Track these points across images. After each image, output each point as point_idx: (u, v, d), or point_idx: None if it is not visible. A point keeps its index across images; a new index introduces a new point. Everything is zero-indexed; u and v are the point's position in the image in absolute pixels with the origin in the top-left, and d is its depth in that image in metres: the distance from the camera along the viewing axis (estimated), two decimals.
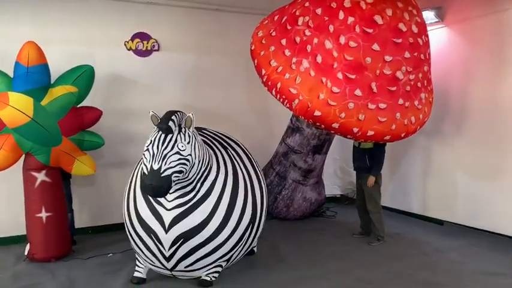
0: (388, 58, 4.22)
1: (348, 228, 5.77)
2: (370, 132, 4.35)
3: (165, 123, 3.43)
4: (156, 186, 3.29)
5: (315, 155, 5.77)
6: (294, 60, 4.35)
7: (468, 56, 5.29)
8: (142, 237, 3.75)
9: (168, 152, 3.37)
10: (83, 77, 4.71)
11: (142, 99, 5.89)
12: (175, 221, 3.62)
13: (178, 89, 6.14)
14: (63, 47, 5.27)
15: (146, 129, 5.78)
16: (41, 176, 4.58)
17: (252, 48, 4.82)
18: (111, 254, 4.82)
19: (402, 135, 4.54)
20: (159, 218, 3.64)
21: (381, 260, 4.56)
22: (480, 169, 5.23)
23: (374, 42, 4.18)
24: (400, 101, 4.39)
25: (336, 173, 7.28)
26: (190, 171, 3.53)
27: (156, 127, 3.53)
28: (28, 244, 4.65)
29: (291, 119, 5.78)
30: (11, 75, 4.50)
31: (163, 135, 3.44)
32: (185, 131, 3.53)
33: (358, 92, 4.22)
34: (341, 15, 4.23)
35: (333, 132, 4.50)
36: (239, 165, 4.10)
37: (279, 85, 4.39)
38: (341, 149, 7.00)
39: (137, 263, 4.05)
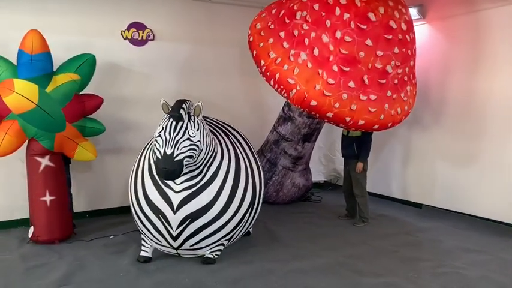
0: (379, 53, 4.56)
1: (334, 211, 6.15)
2: (361, 122, 4.69)
3: (177, 111, 3.66)
4: (169, 169, 3.54)
5: (305, 143, 6.09)
6: (292, 52, 4.63)
7: (447, 51, 5.69)
8: (151, 217, 3.99)
9: (180, 138, 3.62)
10: (85, 65, 4.84)
11: (138, 88, 6.05)
12: (183, 202, 3.87)
13: (173, 78, 6.31)
14: (61, 36, 5.33)
15: (141, 117, 6.06)
16: (44, 161, 4.71)
17: (251, 39, 5.05)
18: (112, 236, 5.02)
19: (389, 124, 4.90)
20: (167, 200, 3.88)
21: (367, 238, 4.95)
22: (457, 156, 5.68)
23: (367, 37, 4.50)
24: (389, 93, 4.74)
25: (320, 160, 7.63)
26: (198, 156, 3.78)
27: (167, 115, 3.75)
28: (32, 227, 4.78)
29: (282, 108, 6.07)
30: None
31: (174, 123, 3.67)
32: (194, 119, 3.77)
33: (351, 84, 4.54)
34: (337, 11, 4.52)
35: (326, 121, 4.81)
36: (240, 151, 4.37)
37: (277, 75, 4.66)
38: (325, 137, 7.36)
39: (143, 242, 4.28)
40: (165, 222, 3.94)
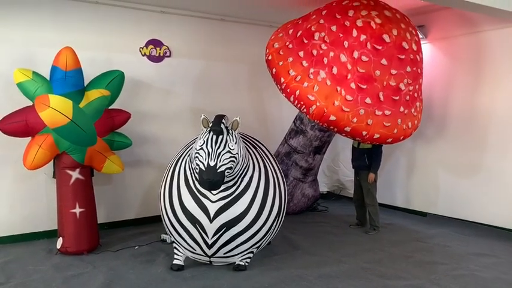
0: (393, 71, 4.92)
1: (343, 220, 6.45)
2: (376, 136, 5.02)
3: (218, 126, 3.93)
4: (213, 180, 3.79)
5: (316, 155, 6.40)
6: (312, 70, 4.94)
7: (449, 69, 6.12)
8: (187, 226, 4.20)
9: (221, 151, 3.87)
10: (115, 81, 5.06)
11: (156, 103, 6.27)
12: (220, 211, 4.10)
13: (188, 93, 6.56)
14: (84, 52, 5.48)
15: (159, 131, 6.29)
16: (75, 174, 4.87)
17: (269, 58, 5.36)
18: (137, 247, 5.18)
19: (401, 138, 5.25)
20: (204, 209, 4.11)
21: (381, 245, 5.25)
22: (460, 167, 6.07)
23: (383, 57, 4.86)
24: (401, 109, 5.09)
25: (324, 171, 7.94)
26: (235, 168, 4.03)
27: (207, 129, 4.01)
28: (60, 238, 4.91)
29: (294, 122, 6.37)
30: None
31: (215, 136, 3.93)
32: (232, 133, 4.03)
33: (368, 100, 4.88)
34: (354, 33, 4.87)
35: (344, 134, 5.12)
36: (268, 163, 4.63)
37: (297, 92, 4.96)
38: (329, 150, 7.65)
39: (176, 251, 4.47)
40: (201, 230, 4.16)
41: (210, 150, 3.87)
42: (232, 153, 3.92)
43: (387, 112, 4.98)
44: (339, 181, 7.88)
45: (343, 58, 4.87)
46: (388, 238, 5.56)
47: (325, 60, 4.91)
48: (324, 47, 4.96)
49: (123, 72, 5.16)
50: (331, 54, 4.90)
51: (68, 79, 4.72)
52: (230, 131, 4.03)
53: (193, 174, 4.19)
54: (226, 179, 4.04)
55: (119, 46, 5.95)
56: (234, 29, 6.91)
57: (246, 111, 7.15)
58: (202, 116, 4.03)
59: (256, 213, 4.26)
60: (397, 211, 6.87)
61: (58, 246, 4.91)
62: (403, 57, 4.97)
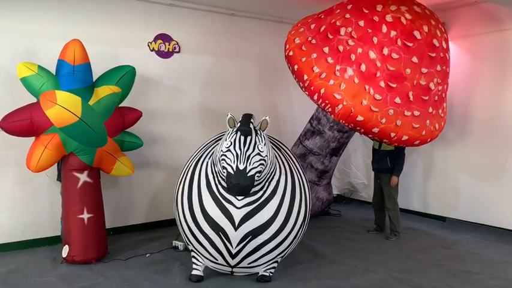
0: (424, 70, 4.66)
1: (359, 225, 6.19)
2: (405, 137, 4.76)
3: (247, 126, 3.61)
4: (243, 185, 3.47)
5: (332, 157, 6.12)
6: (338, 67, 4.66)
7: (471, 69, 5.89)
8: (209, 234, 3.87)
9: (251, 153, 3.56)
10: (126, 77, 4.71)
11: (165, 100, 5.94)
12: (245, 218, 3.79)
13: (197, 91, 6.23)
14: (89, 46, 5.11)
15: (168, 130, 5.94)
16: (83, 177, 4.51)
17: (290, 54, 5.05)
18: (148, 255, 4.84)
19: (428, 140, 5.00)
20: (229, 216, 3.78)
21: (407, 252, 4.99)
22: (481, 170, 5.86)
23: (413, 55, 4.60)
24: (430, 109, 4.84)
25: (335, 174, 7.64)
26: (264, 171, 3.72)
27: (233, 129, 3.68)
28: (66, 246, 4.54)
29: (310, 122, 6.07)
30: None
31: (243, 137, 3.61)
32: (261, 133, 3.72)
33: (397, 100, 4.61)
34: (384, 28, 4.60)
35: (370, 136, 4.85)
36: (293, 166, 4.33)
37: (322, 90, 4.67)
38: None
39: (195, 261, 4.14)
40: (224, 239, 3.83)
41: (239, 152, 3.55)
42: (261, 156, 3.61)
43: (416, 113, 4.73)
44: (350, 184, 7.61)
45: (372, 55, 4.59)
46: (412, 244, 5.30)
47: (353, 56, 4.63)
48: (351, 42, 4.68)
49: (134, 68, 4.81)
50: (359, 50, 4.63)
51: (76, 74, 4.35)
52: (259, 132, 3.72)
53: (216, 178, 3.86)
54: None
55: (126, 40, 5.60)
56: (245, 25, 6.61)
57: (257, 110, 6.74)
58: (229, 115, 3.71)
59: (283, 220, 3.95)
60: (413, 215, 6.62)
61: (64, 255, 4.53)
62: (433, 55, 4.72)
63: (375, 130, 4.67)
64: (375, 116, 4.59)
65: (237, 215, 3.78)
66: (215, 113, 6.37)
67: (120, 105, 4.75)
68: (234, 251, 3.87)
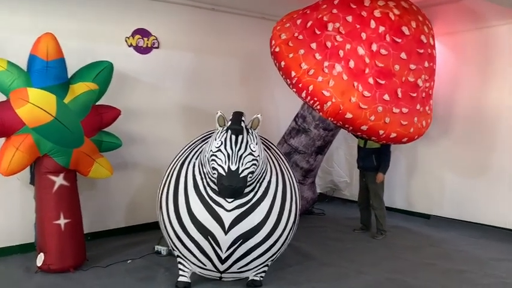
0: (412, 66, 4.59)
1: (344, 224, 6.11)
2: (393, 135, 4.68)
3: (238, 125, 3.43)
4: (235, 187, 3.29)
5: (317, 156, 6.01)
6: (326, 64, 4.53)
7: (454, 66, 5.88)
8: (197, 239, 3.67)
9: (243, 153, 3.38)
10: (103, 73, 4.44)
11: (143, 98, 5.67)
12: (236, 222, 3.60)
13: (177, 89, 5.99)
14: (63, 41, 4.84)
15: (147, 130, 5.67)
16: (59, 180, 4.21)
17: (277, 50, 4.90)
18: (130, 261, 4.59)
19: (416, 137, 4.95)
20: (218, 219, 3.59)
21: (396, 252, 4.93)
22: (465, 167, 5.86)
23: (402, 51, 4.52)
24: (418, 106, 4.78)
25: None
26: (255, 172, 3.54)
27: (223, 128, 3.50)
28: (41, 254, 4.24)
29: (295, 120, 5.94)
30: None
31: (234, 136, 3.42)
32: (252, 132, 3.54)
33: (386, 97, 4.53)
34: (372, 24, 4.50)
35: (359, 134, 4.76)
36: (283, 165, 4.18)
37: (311, 87, 4.54)
38: None
39: (181, 267, 3.93)
40: (214, 243, 3.64)
41: (230, 152, 3.36)
42: (254, 156, 3.43)
43: (404, 110, 4.66)
44: (333, 182, 7.54)
45: (360, 51, 4.49)
46: (399, 243, 5.25)
47: (341, 52, 4.52)
48: (339, 38, 4.56)
49: (111, 64, 4.54)
50: (348, 46, 4.51)
51: (49, 70, 4.05)
52: (250, 130, 3.54)
53: (204, 180, 3.66)
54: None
55: (103, 35, 5.30)
56: (226, 20, 6.40)
57: (239, 108, 6.54)
58: (219, 113, 3.51)
59: (275, 222, 3.79)
60: (397, 213, 6.58)
61: (39, 264, 4.22)
62: (421, 51, 4.66)
63: (364, 128, 4.57)
64: (363, 113, 4.49)
65: (227, 218, 3.59)
66: (197, 111, 6.15)
67: (97, 103, 4.48)
68: (223, 256, 3.68)
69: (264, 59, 6.80)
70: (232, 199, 3.57)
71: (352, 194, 7.36)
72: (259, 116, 3.56)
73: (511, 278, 4.09)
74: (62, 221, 4.22)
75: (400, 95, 4.59)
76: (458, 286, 3.94)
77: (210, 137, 4.16)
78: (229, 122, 3.48)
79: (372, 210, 5.62)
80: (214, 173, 3.41)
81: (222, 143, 3.41)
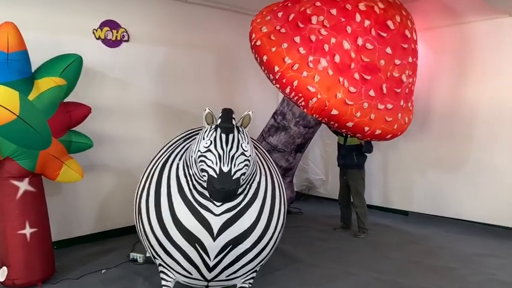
0: (397, 62, 4.50)
1: (323, 222, 6.00)
2: (378, 131, 4.58)
3: (229, 122, 3.17)
4: (228, 189, 3.03)
5: (297, 154, 5.84)
6: (311, 58, 4.35)
7: (431, 62, 5.86)
8: (182, 246, 3.39)
9: (235, 153, 3.12)
10: (72, 68, 4.07)
11: (112, 95, 5.31)
12: (225, 226, 3.35)
13: (149, 84, 5.66)
14: (23, 32, 4.40)
15: (116, 128, 5.30)
16: (23, 185, 3.82)
17: (258, 43, 4.67)
18: (104, 270, 4.25)
19: (399, 133, 4.87)
20: (206, 225, 3.33)
21: (381, 251, 4.84)
22: (443, 163, 5.87)
23: (387, 45, 4.41)
24: (401, 103, 4.71)
25: None
26: (247, 173, 3.31)
27: (211, 126, 3.23)
28: (4, 268, 3.82)
29: (273, 117, 5.74)
30: None
31: (224, 135, 3.17)
32: (243, 131, 3.30)
33: (371, 93, 4.41)
34: (358, 17, 4.36)
35: (344, 130, 4.62)
36: (270, 165, 3.97)
37: (295, 83, 4.35)
38: None
39: (164, 276, 3.64)
40: (201, 251, 3.37)
41: (221, 153, 3.10)
42: (246, 156, 3.19)
43: (389, 106, 4.56)
44: (308, 180, 7.42)
45: (346, 45, 4.34)
46: (382, 241, 5.17)
47: (326, 47, 4.35)
48: (323, 32, 4.39)
49: (81, 57, 4.18)
50: (333, 40, 4.35)
51: (11, 64, 3.65)
52: (240, 129, 3.29)
53: (190, 182, 3.38)
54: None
55: (68, 26, 4.90)
56: (199, 13, 6.11)
57: (214, 105, 6.32)
58: (207, 110, 3.24)
59: (265, 225, 3.56)
60: (375, 210, 6.52)
61: (1, 279, 3.81)
62: (406, 46, 4.58)
63: (349, 124, 4.44)
64: (349, 109, 4.36)
65: (216, 223, 3.33)
66: (169, 108, 5.84)
67: (65, 100, 4.10)
68: (211, 264, 3.42)
69: (237, 53, 6.60)
70: (221, 203, 3.32)
71: (328, 192, 7.29)
72: (250, 112, 3.32)
73: (501, 275, 4.07)
74: (28, 231, 3.83)
75: (385, 90, 4.49)
76: (451, 284, 3.87)
77: (192, 135, 3.91)
78: (219, 120, 3.22)
79: (353, 208, 5.53)
80: (203, 175, 3.14)
81: (211, 143, 3.14)
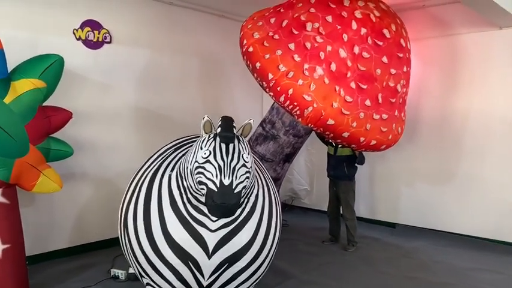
0: (393, 71, 4.40)
1: (311, 235, 5.84)
2: (373, 142, 4.46)
3: (231, 131, 2.95)
4: (229, 204, 2.80)
5: (285, 164, 5.64)
6: (307, 66, 4.19)
7: (420, 72, 5.81)
8: (174, 265, 3.14)
9: (236, 165, 2.90)
10: (52, 69, 3.76)
11: (92, 99, 5.00)
12: (221, 243, 3.12)
13: (130, 88, 5.38)
14: None
15: (96, 135, 5.00)
16: None
17: (250, 50, 4.48)
18: None
19: (392, 144, 4.77)
20: (200, 241, 3.09)
21: (374, 265, 4.72)
22: (431, 174, 5.81)
23: (383, 54, 4.31)
24: (396, 113, 4.61)
25: None
26: (248, 186, 3.10)
27: (210, 135, 3.00)
28: None
29: (262, 126, 5.53)
30: None
31: (224, 145, 2.94)
32: (243, 140, 3.09)
33: (367, 102, 4.29)
34: (354, 25, 4.24)
35: (339, 141, 4.48)
36: (266, 175, 3.77)
37: (290, 91, 4.18)
38: None
39: None
40: (194, 269, 3.13)
41: (222, 164, 2.87)
42: (247, 167, 2.97)
43: (384, 116, 4.45)
44: (292, 190, 7.25)
45: (342, 53, 4.21)
46: (373, 255, 5.05)
47: (322, 54, 4.20)
48: (319, 39, 4.25)
49: (62, 58, 3.86)
50: (329, 48, 4.21)
51: None
52: (241, 138, 3.08)
53: (184, 195, 3.14)
54: None
55: (47, 25, 4.60)
56: (184, 16, 5.89)
57: (198, 110, 6.13)
58: (205, 118, 3.01)
59: (262, 241, 3.35)
60: (360, 222, 6.33)
61: None
62: (401, 55, 4.49)
63: (345, 135, 4.30)
64: (346, 119, 4.21)
65: (212, 239, 3.10)
66: (151, 113, 5.58)
67: (44, 104, 3.78)
68: (205, 283, 3.18)
69: (222, 58, 6.41)
70: (217, 218, 3.09)
71: (312, 203, 7.15)
72: (251, 121, 3.11)
73: None
74: (0, 247, 3.47)
75: (380, 100, 4.38)
76: None
77: (184, 144, 3.66)
78: (219, 129, 2.99)
79: (343, 220, 5.39)
80: (201, 188, 2.90)
81: (210, 153, 2.91)
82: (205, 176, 2.87)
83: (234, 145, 2.97)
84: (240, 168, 2.91)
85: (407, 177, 6.05)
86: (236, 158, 2.93)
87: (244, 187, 2.94)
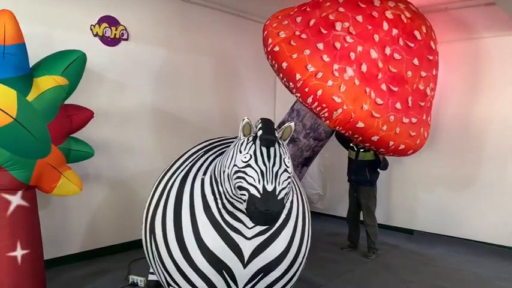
0: (423, 74, 4.28)
1: (329, 241, 5.71)
2: (402, 146, 4.34)
3: (272, 134, 2.79)
4: (273, 211, 2.64)
5: (303, 167, 5.49)
6: (336, 67, 4.06)
7: (441, 76, 5.69)
8: (207, 274, 2.97)
9: (278, 170, 2.74)
10: (75, 66, 3.58)
11: (109, 98, 4.85)
12: (257, 251, 2.96)
13: (147, 87, 5.23)
14: None
15: (112, 135, 4.81)
16: (16, 200, 3.31)
17: (276, 49, 4.33)
18: None
19: (419, 149, 4.65)
20: (236, 249, 2.93)
21: (397, 273, 4.60)
22: (452, 181, 5.70)
23: (414, 56, 4.19)
24: (424, 116, 4.49)
25: None
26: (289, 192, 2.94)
27: (249, 137, 2.84)
28: None
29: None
30: None
31: (265, 149, 2.78)
32: (283, 144, 2.93)
33: (398, 105, 4.16)
34: (385, 25, 4.12)
35: (368, 145, 4.35)
36: (297, 181, 3.62)
37: (319, 92, 4.03)
38: None
39: None
40: (228, 278, 2.97)
41: (264, 169, 2.70)
42: (289, 173, 2.81)
43: (414, 120, 4.33)
44: (305, 195, 7.09)
45: (373, 54, 4.08)
46: (394, 263, 4.92)
47: (352, 55, 4.07)
48: (349, 39, 4.11)
49: (84, 54, 3.68)
50: (360, 48, 4.08)
51: (8, 58, 3.16)
52: (281, 142, 2.92)
53: (219, 200, 2.98)
54: None
55: (64, 21, 4.45)
56: (200, 14, 5.75)
57: (212, 112, 6.00)
58: (245, 120, 2.84)
59: (296, 250, 3.20)
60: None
61: None
62: (431, 58, 4.38)
63: (374, 138, 4.17)
64: (376, 122, 4.08)
65: (247, 247, 2.94)
66: (168, 113, 5.41)
67: (65, 103, 3.61)
68: None
69: (238, 58, 6.27)
70: (253, 225, 2.94)
71: (325, 207, 7.01)
72: (292, 124, 2.95)
73: None
74: (19, 253, 3.31)
75: (410, 103, 4.26)
76: None
77: (215, 147, 3.50)
78: (259, 131, 2.83)
79: (365, 227, 5.24)
80: (242, 194, 2.74)
81: (251, 157, 2.75)
82: (247, 181, 2.71)
83: (275, 149, 2.81)
84: (282, 173, 2.75)
85: (425, 182, 5.94)
86: (278, 163, 2.76)
87: (286, 193, 2.79)
